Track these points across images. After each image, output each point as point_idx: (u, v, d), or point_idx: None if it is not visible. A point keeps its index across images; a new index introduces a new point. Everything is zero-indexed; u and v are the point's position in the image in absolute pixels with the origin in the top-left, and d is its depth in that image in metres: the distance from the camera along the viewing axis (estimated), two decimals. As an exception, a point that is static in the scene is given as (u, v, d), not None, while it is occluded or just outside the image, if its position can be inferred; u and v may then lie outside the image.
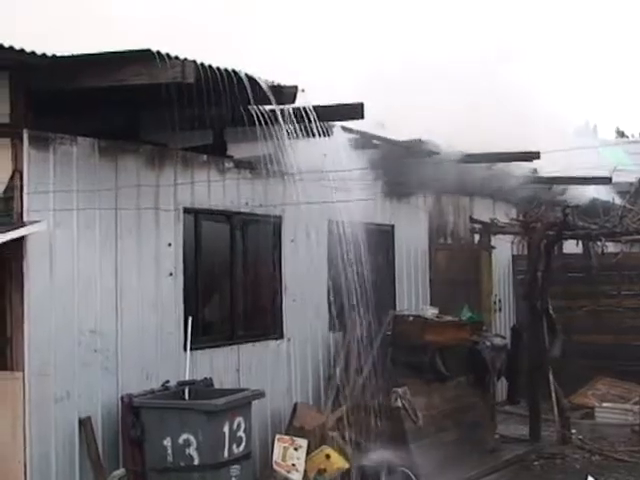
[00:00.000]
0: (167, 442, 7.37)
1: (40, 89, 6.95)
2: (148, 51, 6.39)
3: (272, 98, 7.30)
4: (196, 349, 8.40)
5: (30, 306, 6.95)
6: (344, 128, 9.36)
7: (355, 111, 8.17)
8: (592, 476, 7.59)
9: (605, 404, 13.55)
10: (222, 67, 6.81)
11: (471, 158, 11.00)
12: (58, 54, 6.63)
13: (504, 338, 12.34)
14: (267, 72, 7.35)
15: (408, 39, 10.88)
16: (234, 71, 6.92)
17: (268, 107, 7.66)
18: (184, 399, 7.88)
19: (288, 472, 8.54)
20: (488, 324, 13.45)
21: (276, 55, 9.00)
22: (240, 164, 9.21)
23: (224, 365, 8.89)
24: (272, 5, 10.28)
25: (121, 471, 7.51)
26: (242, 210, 9.21)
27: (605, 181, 12.90)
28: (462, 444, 10.48)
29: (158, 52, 6.38)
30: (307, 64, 9.03)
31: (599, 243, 11.62)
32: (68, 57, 6.63)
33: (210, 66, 6.69)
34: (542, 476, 10.45)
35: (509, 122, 10.85)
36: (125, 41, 6.64)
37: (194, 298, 8.63)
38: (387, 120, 9.75)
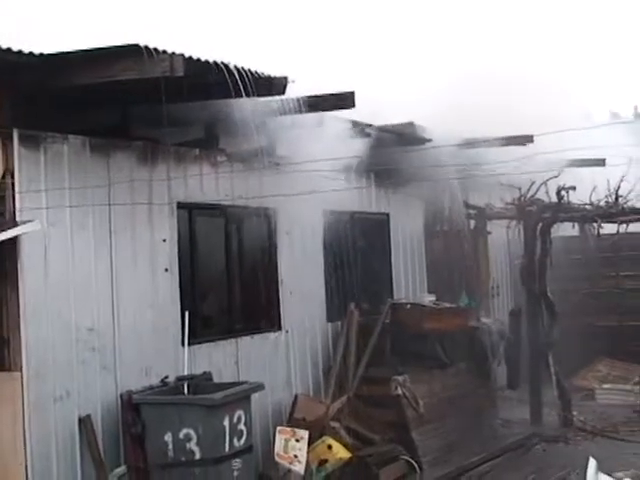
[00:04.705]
0: (168, 437, 7.36)
1: (29, 88, 6.90)
2: (136, 46, 6.34)
3: (262, 89, 7.24)
4: (194, 344, 8.38)
5: (26, 306, 6.93)
6: (336, 118, 9.32)
7: (346, 100, 8.13)
8: (595, 458, 7.56)
9: (606, 385, 13.57)
10: (211, 60, 6.77)
11: (465, 143, 10.95)
12: (46, 52, 6.59)
13: (503, 323, 12.34)
14: (256, 63, 7.30)
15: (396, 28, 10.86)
16: (223, 63, 6.87)
17: (259, 98, 7.61)
18: (183, 394, 7.87)
19: (290, 463, 8.52)
20: (486, 309, 13.45)
21: (265, 46, 8.96)
22: (233, 157, 9.16)
23: (223, 359, 8.88)
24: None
25: (122, 468, 7.51)
26: (236, 203, 9.17)
27: (599, 163, 12.86)
28: (464, 430, 10.49)
29: (146, 47, 6.32)
30: (296, 54, 8.99)
31: (595, 225, 11.59)
32: (56, 54, 6.60)
33: (199, 59, 6.64)
34: (544, 459, 10.46)
35: (503, 107, 10.80)
36: (110, 36, 6.59)
37: (191, 293, 8.61)
38: (376, 109, 9.71)
